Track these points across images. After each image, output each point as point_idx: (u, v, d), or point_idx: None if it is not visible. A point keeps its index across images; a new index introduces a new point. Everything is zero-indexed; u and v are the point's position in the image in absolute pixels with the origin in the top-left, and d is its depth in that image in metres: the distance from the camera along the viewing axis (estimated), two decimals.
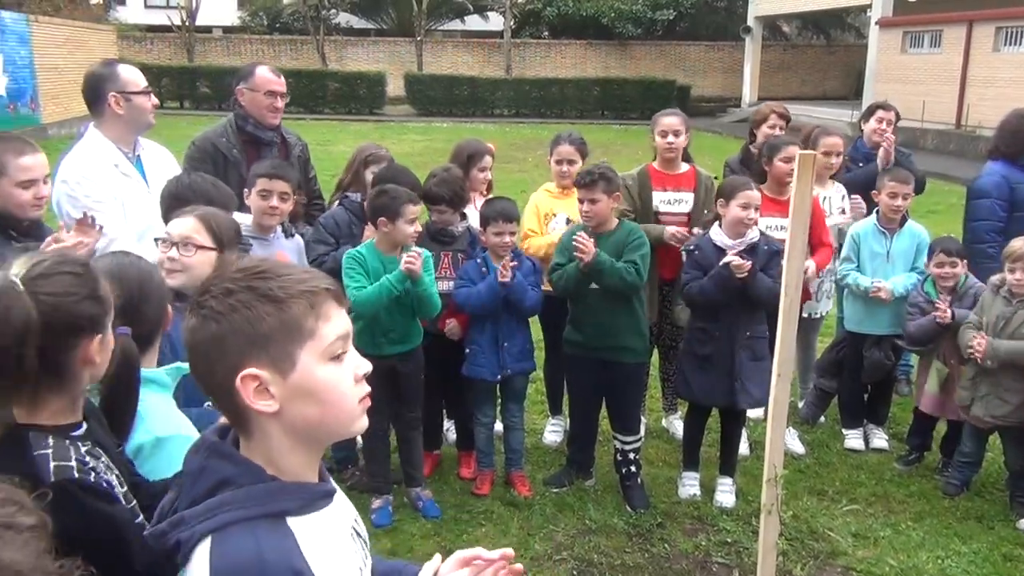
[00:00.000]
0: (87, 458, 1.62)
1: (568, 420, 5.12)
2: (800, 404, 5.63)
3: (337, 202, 4.65)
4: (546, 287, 4.50)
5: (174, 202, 3.11)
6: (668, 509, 4.44)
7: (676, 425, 5.28)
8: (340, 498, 1.43)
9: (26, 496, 0.73)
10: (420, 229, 4.15)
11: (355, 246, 4.17)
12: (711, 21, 37.53)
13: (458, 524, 4.26)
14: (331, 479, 1.42)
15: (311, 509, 1.32)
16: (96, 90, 3.74)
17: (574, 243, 4.11)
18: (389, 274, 3.92)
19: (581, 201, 4.29)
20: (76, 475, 1.56)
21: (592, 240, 4.13)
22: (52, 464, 1.55)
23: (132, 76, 3.81)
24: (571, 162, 4.84)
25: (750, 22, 32.46)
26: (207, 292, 1.27)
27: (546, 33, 37.03)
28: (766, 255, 4.27)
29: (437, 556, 1.56)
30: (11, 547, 0.59)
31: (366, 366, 1.36)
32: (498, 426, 4.85)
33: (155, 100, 3.95)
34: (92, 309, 1.64)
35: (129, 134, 3.83)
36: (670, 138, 4.80)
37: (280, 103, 4.50)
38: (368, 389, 1.37)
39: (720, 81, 35.49)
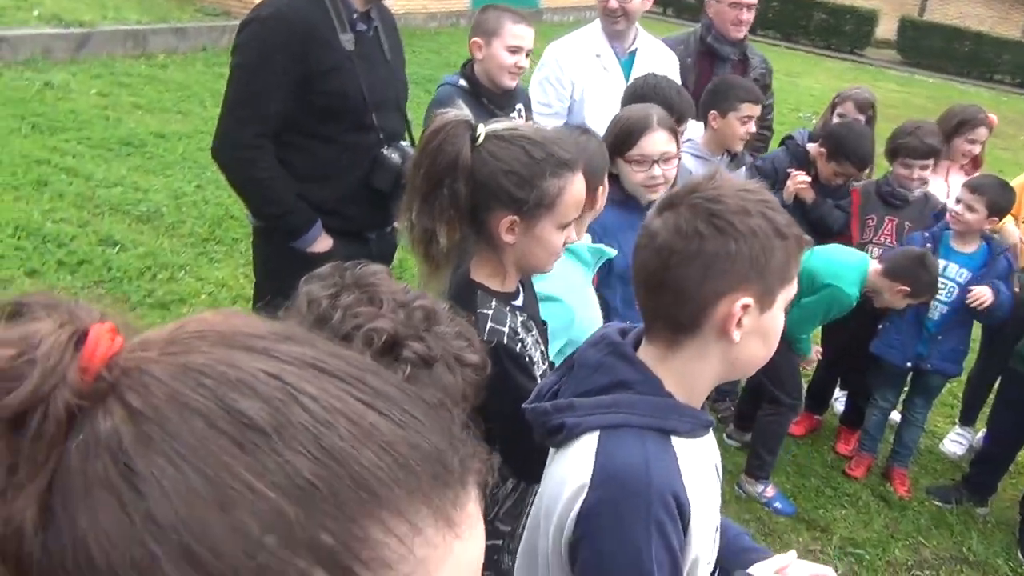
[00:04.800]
0: (520, 330, 1.75)
1: (977, 435, 4.54)
2: None
3: (780, 142, 4.44)
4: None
5: (635, 101, 3.17)
6: None
7: None
8: (710, 434, 1.42)
9: (476, 336, 0.79)
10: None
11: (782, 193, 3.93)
12: None
13: (819, 497, 4.04)
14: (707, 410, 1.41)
15: (693, 435, 1.32)
16: None
17: None
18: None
19: None
20: (506, 341, 1.69)
21: None
22: (489, 325, 1.69)
23: None
24: None
25: None
26: (718, 201, 1.24)
27: None
28: None
29: (792, 553, 1.48)
30: (453, 375, 0.65)
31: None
32: (894, 415, 4.45)
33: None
34: (517, 191, 1.68)
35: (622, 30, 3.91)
36: None
37: (746, 16, 4.30)
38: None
39: None
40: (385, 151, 2.80)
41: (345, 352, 0.52)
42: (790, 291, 1.30)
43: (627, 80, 3.84)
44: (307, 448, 0.44)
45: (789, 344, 3.72)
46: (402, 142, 2.90)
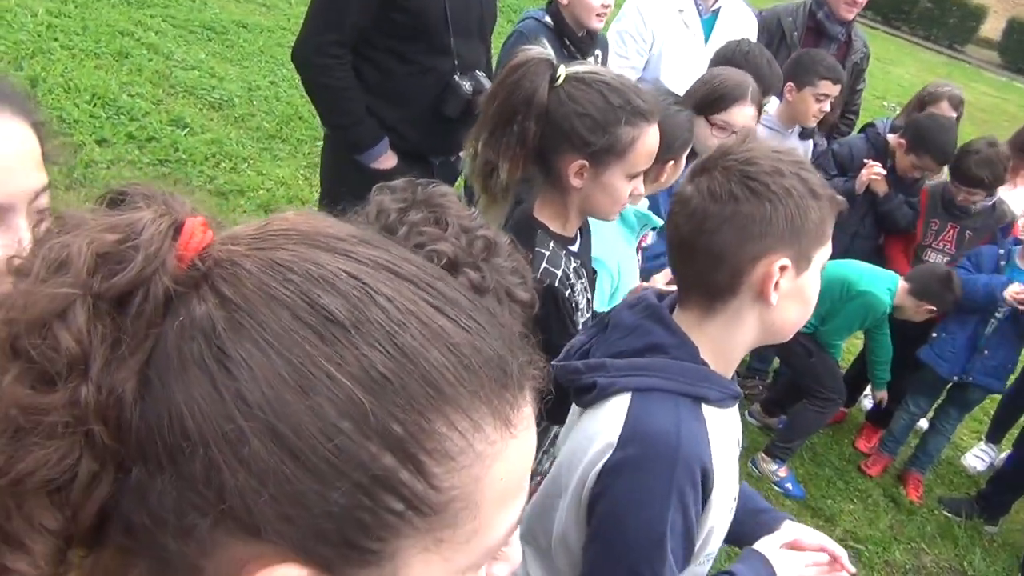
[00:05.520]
0: (572, 275, 1.76)
1: (1001, 454, 4.50)
2: None
3: (860, 130, 4.33)
4: None
5: (723, 64, 3.11)
6: None
7: None
8: (736, 405, 1.41)
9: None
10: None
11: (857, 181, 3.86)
12: None
13: (830, 487, 4.06)
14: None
15: (722, 405, 1.31)
16: None
17: None
18: None
19: None
20: (557, 284, 1.71)
21: None
22: (543, 265, 1.70)
23: None
24: None
25: None
26: (752, 163, 1.23)
27: None
28: None
29: (798, 528, 1.48)
30: (502, 308, 0.68)
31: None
32: (922, 422, 4.42)
33: None
34: (590, 135, 1.67)
35: None
36: None
37: None
38: None
39: None
40: (458, 78, 2.80)
41: (418, 259, 0.56)
42: (825, 252, 1.29)
43: (707, 39, 3.78)
44: (382, 344, 0.48)
45: (824, 348, 3.76)
46: (478, 72, 2.89)
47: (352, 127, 2.78)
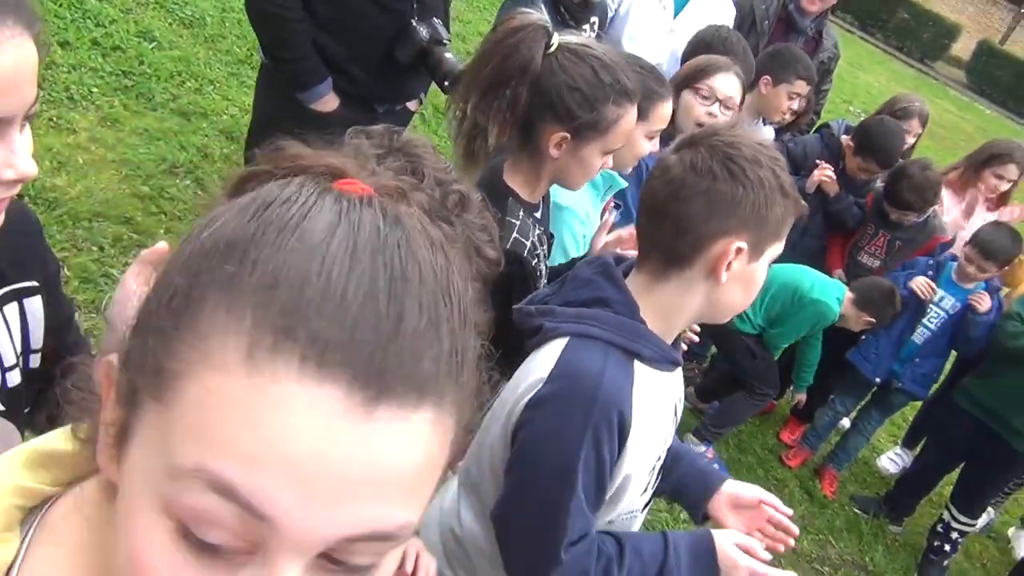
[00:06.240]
0: (538, 244, 1.80)
1: (912, 458, 4.70)
2: None
3: (815, 130, 4.40)
4: None
5: (701, 49, 3.11)
6: None
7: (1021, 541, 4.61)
8: (678, 373, 1.49)
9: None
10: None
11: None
12: None
13: (750, 473, 4.20)
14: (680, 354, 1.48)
15: (656, 366, 1.39)
16: None
17: None
18: None
19: None
20: (525, 254, 1.74)
21: None
22: (514, 236, 1.73)
23: None
24: None
25: None
26: (735, 148, 1.30)
27: None
28: None
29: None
30: (469, 264, 0.68)
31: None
32: (844, 421, 4.59)
33: None
34: (577, 109, 1.69)
35: None
36: None
37: None
38: None
39: None
40: (416, 23, 2.66)
41: None
42: (777, 249, 1.37)
43: (676, 14, 3.74)
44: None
45: (768, 348, 3.88)
46: (435, 19, 2.74)
47: (296, 62, 2.60)
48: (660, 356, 1.38)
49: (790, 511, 1.60)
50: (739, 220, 1.30)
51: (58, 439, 0.63)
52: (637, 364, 1.35)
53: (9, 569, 0.55)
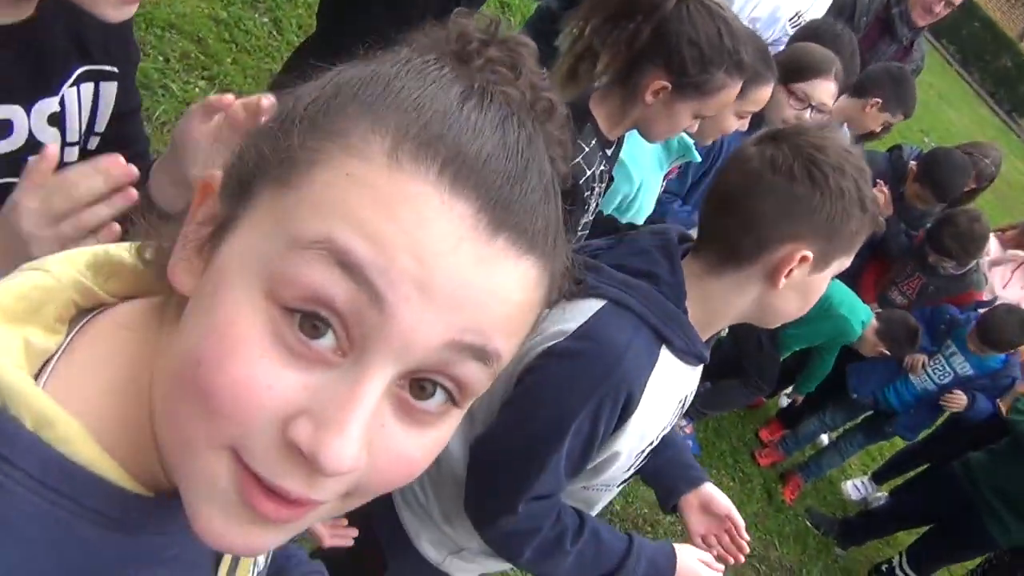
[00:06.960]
0: (596, 179, 1.76)
1: (877, 494, 4.75)
2: None
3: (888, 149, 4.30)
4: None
5: (810, 38, 2.95)
6: None
7: None
8: (698, 368, 1.44)
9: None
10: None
11: None
12: None
13: (720, 460, 4.27)
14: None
15: (682, 358, 1.34)
16: None
17: None
18: None
19: None
20: (580, 183, 1.71)
21: None
22: (578, 159, 1.69)
23: None
24: None
25: None
26: (821, 152, 1.23)
27: None
28: None
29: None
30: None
31: None
32: (823, 437, 4.63)
33: None
34: (690, 65, 1.64)
35: None
36: None
37: (939, 8, 4.01)
38: None
39: None
40: None
41: None
42: (844, 263, 1.30)
43: None
44: None
45: (778, 345, 3.87)
46: None
47: None
48: (690, 350, 1.34)
49: (748, 538, 1.62)
50: (810, 228, 1.23)
51: (123, 252, 0.63)
52: (664, 350, 1.30)
53: (46, 362, 0.54)
